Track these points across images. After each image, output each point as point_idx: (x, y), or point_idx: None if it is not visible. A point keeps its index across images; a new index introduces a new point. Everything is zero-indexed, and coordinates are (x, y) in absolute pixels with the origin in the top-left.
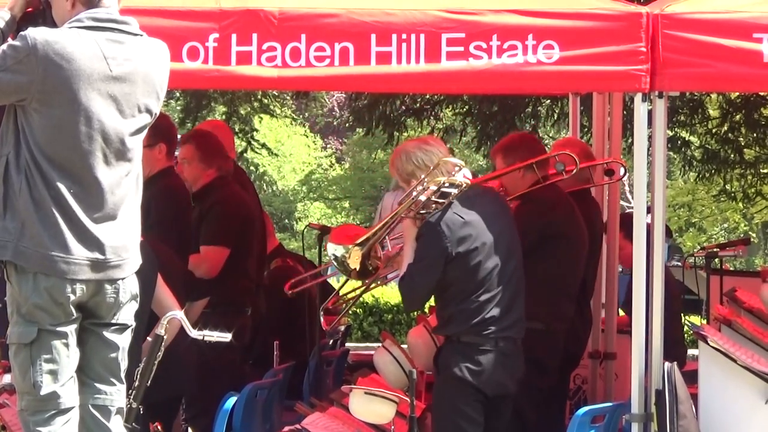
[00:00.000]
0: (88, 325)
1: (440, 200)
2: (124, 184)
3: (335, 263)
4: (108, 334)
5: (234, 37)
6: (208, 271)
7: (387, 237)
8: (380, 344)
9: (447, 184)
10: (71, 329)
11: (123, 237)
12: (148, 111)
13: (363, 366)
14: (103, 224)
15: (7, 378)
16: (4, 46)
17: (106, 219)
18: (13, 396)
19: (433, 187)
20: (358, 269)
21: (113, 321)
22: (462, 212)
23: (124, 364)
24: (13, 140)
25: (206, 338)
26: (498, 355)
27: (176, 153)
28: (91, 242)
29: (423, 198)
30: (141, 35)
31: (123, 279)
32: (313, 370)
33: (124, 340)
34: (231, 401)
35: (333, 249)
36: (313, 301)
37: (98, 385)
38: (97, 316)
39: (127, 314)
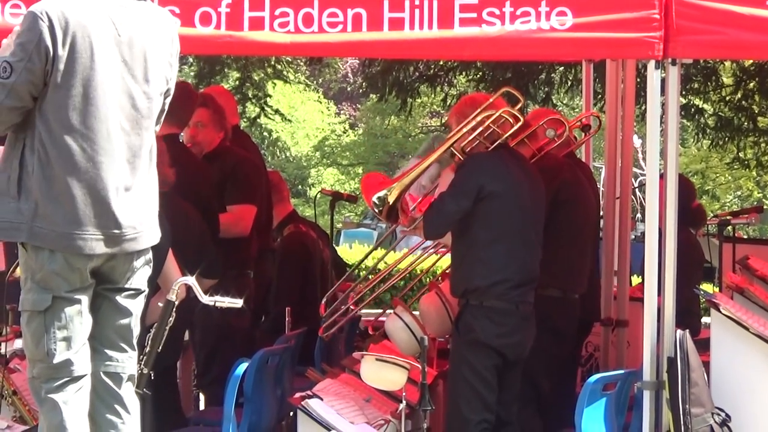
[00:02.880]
0: (102, 291)
1: (485, 145)
2: (141, 154)
3: (376, 203)
4: (121, 300)
5: (246, 2)
6: (243, 229)
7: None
8: (392, 311)
9: (498, 127)
10: (85, 296)
11: (139, 209)
12: (163, 78)
13: (375, 332)
14: (120, 196)
15: (18, 343)
16: (16, 39)
17: (123, 190)
18: (24, 361)
19: (483, 124)
20: (391, 204)
21: (127, 286)
22: (505, 163)
23: (136, 331)
24: (29, 121)
25: (218, 304)
26: (519, 320)
27: None
28: (107, 216)
29: (470, 136)
30: (145, 0)
31: (139, 251)
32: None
33: (137, 306)
34: (242, 367)
35: (381, 200)
36: (326, 267)
37: (110, 352)
38: (111, 281)
39: (140, 279)
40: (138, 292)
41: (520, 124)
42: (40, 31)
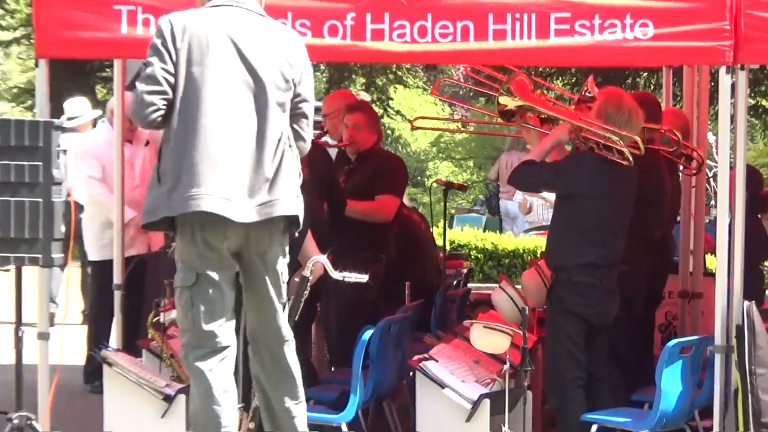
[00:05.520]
0: (249, 265)
1: (600, 148)
2: (269, 138)
3: (505, 92)
4: (269, 277)
5: (368, 15)
6: (386, 216)
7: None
8: (498, 285)
9: (617, 147)
10: (226, 274)
11: (273, 184)
12: (285, 79)
13: (483, 303)
14: (245, 171)
15: (174, 312)
16: (151, 46)
17: (251, 168)
18: None
19: (605, 138)
20: (505, 108)
21: (270, 261)
22: (607, 169)
23: (284, 299)
24: (169, 118)
25: (346, 279)
26: (602, 293)
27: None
28: (234, 186)
29: (592, 137)
30: (265, 17)
31: (277, 221)
32: (439, 307)
33: (280, 287)
34: (368, 333)
35: (509, 92)
36: (430, 244)
37: (270, 319)
38: (255, 253)
39: (280, 248)
40: (279, 271)
41: (627, 162)
42: (162, 33)
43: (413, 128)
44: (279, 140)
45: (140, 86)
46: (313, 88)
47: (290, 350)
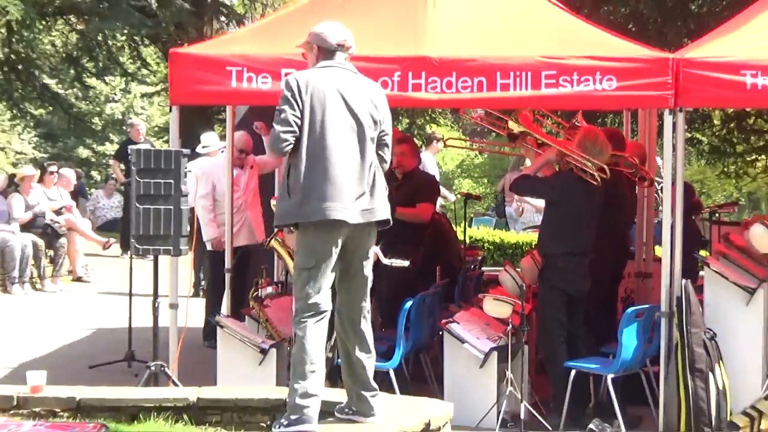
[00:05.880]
0: (352, 258)
1: (578, 170)
2: (366, 162)
3: (512, 120)
4: (364, 262)
5: (410, 73)
6: (425, 218)
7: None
8: (503, 268)
9: (589, 171)
10: (333, 260)
11: (370, 195)
12: (369, 116)
13: (492, 282)
14: (355, 186)
15: (269, 289)
16: (283, 97)
17: (356, 184)
18: (274, 300)
19: (581, 164)
20: (512, 132)
21: (365, 253)
22: (579, 185)
23: (370, 282)
24: (296, 149)
25: (393, 264)
26: (577, 274)
27: None
28: (347, 198)
29: (572, 161)
30: (357, 73)
31: (372, 223)
32: (461, 285)
33: (370, 268)
34: (409, 304)
35: (516, 121)
36: (454, 238)
37: (360, 302)
38: (356, 249)
39: (371, 244)
40: (369, 259)
41: (596, 182)
42: (291, 87)
43: (445, 145)
44: (371, 164)
45: (277, 127)
46: (391, 124)
47: (366, 321)
